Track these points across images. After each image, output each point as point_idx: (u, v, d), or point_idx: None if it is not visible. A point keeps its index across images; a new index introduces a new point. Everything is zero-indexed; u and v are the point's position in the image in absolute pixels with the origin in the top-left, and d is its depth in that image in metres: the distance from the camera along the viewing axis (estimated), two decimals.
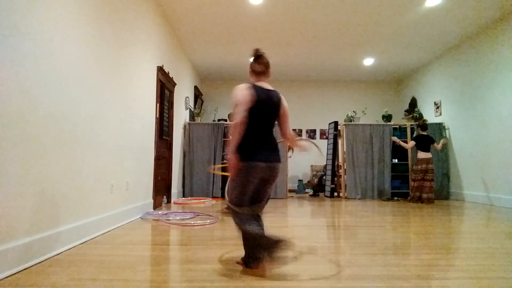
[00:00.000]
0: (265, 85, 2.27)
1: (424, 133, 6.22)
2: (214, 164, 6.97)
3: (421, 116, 7.60)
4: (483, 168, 5.99)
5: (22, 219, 2.07)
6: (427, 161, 6.05)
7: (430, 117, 7.70)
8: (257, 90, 2.19)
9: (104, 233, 3.15)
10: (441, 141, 6.35)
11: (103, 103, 3.20)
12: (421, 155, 6.12)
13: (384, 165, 7.12)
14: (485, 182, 5.93)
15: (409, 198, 6.33)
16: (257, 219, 2.20)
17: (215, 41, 6.64)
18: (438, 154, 6.96)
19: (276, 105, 2.24)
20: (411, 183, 6.29)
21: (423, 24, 5.79)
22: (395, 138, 6.45)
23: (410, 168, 7.11)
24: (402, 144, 6.32)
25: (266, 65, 2.30)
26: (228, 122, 7.56)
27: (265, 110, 2.19)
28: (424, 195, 6.02)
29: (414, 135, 7.30)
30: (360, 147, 7.17)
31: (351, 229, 3.52)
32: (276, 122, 2.31)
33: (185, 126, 7.10)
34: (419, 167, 6.10)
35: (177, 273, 2.03)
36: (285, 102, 2.31)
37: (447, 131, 7.13)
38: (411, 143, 6.25)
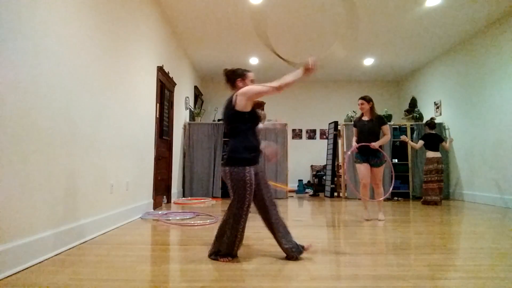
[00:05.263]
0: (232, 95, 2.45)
1: (432, 131, 6.02)
2: (214, 164, 6.96)
3: (421, 116, 7.59)
4: (484, 168, 5.98)
5: (22, 220, 2.07)
6: (437, 160, 5.82)
7: (430, 117, 7.69)
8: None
9: (104, 233, 3.15)
10: (448, 140, 6.17)
11: (103, 103, 3.20)
12: (430, 154, 5.89)
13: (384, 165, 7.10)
14: (486, 182, 5.92)
15: (423, 201, 5.90)
16: None
17: (215, 41, 6.64)
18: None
19: (224, 112, 2.43)
20: (425, 185, 5.91)
21: (423, 24, 5.79)
22: (404, 137, 6.03)
23: (411, 168, 7.11)
24: (412, 144, 6.08)
25: (226, 78, 2.53)
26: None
27: (223, 122, 2.49)
28: (434, 197, 5.79)
29: (418, 134, 7.29)
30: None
31: (351, 229, 3.51)
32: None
33: (185, 126, 7.10)
34: (431, 166, 5.84)
35: (177, 273, 2.03)
36: (239, 96, 2.34)
37: (447, 131, 7.13)
38: (420, 143, 5.98)
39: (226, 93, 2.49)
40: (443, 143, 5.95)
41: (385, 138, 4.11)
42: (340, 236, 3.17)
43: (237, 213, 2.29)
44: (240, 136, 2.35)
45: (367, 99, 4.17)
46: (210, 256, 2.34)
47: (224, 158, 2.40)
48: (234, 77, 2.48)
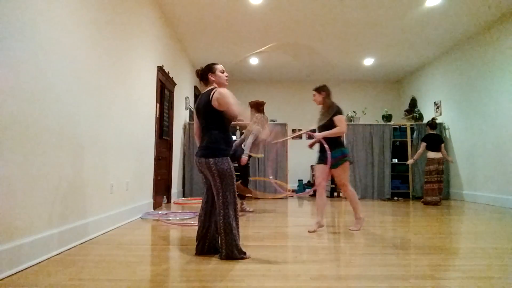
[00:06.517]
0: (205, 90, 2.56)
1: (434, 131, 6.01)
2: None
3: (421, 116, 7.59)
4: (484, 168, 5.98)
5: (22, 220, 2.07)
6: (437, 161, 5.81)
7: (430, 117, 7.69)
8: (197, 101, 2.61)
9: (104, 233, 3.15)
10: (449, 158, 6.09)
11: (103, 103, 3.20)
12: (431, 154, 5.87)
13: (384, 165, 7.11)
14: (486, 182, 5.92)
15: (424, 201, 5.89)
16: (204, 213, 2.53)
17: (215, 41, 6.64)
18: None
19: (201, 105, 2.49)
20: (425, 186, 5.88)
21: (423, 24, 5.79)
22: (410, 162, 6.07)
23: (411, 168, 7.10)
24: (417, 156, 6.02)
25: (199, 78, 2.63)
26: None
27: (197, 115, 2.56)
28: (434, 198, 5.78)
29: (418, 134, 7.29)
30: (360, 147, 7.17)
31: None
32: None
33: (185, 126, 7.10)
34: (431, 167, 5.82)
35: (177, 273, 2.03)
36: (215, 95, 2.42)
37: (447, 131, 7.13)
38: (422, 146, 5.94)
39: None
40: (442, 146, 5.93)
41: (333, 130, 3.33)
42: (340, 236, 3.17)
43: (232, 202, 2.38)
44: (218, 129, 2.44)
45: (318, 89, 3.57)
46: (232, 257, 2.30)
47: (203, 149, 2.42)
48: (205, 73, 2.59)
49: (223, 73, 2.60)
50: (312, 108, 9.59)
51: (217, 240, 2.49)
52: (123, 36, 3.68)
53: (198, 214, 4.32)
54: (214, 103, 2.41)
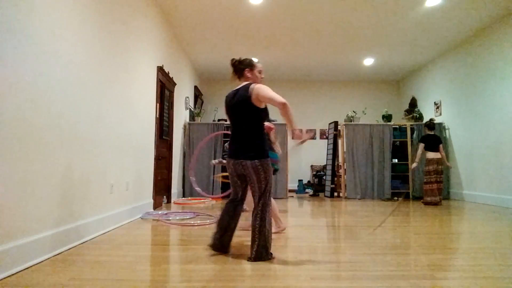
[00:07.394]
0: (239, 86, 2.47)
1: (431, 132, 6.02)
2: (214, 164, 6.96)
3: (421, 116, 7.60)
4: (484, 168, 5.98)
5: (21, 220, 2.07)
6: (437, 161, 5.82)
7: (430, 117, 7.69)
8: (227, 96, 2.50)
9: (104, 233, 3.15)
10: (449, 164, 6.10)
11: (103, 103, 3.20)
12: (430, 155, 5.88)
13: (384, 165, 7.11)
14: (486, 181, 5.92)
15: (423, 202, 5.88)
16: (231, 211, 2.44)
17: (215, 41, 6.64)
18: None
19: (237, 103, 2.38)
20: (424, 186, 5.89)
21: (423, 24, 5.79)
22: (414, 165, 6.00)
23: (411, 168, 7.11)
24: (418, 158, 5.96)
25: (234, 68, 2.54)
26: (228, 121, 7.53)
27: (229, 113, 2.47)
28: (433, 198, 5.78)
29: (418, 134, 7.29)
30: (360, 147, 7.17)
31: (351, 229, 3.51)
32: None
33: (185, 126, 7.10)
34: (430, 167, 5.83)
35: (177, 273, 2.03)
36: (254, 93, 2.33)
37: (447, 131, 7.13)
38: (420, 147, 5.94)
39: (225, 93, 2.49)
40: (441, 146, 5.92)
41: None
42: (340, 236, 3.17)
43: (269, 204, 2.38)
44: (258, 130, 2.40)
45: None
46: (260, 258, 2.27)
47: (247, 151, 2.33)
48: (242, 67, 2.51)
49: (260, 73, 2.54)
50: (312, 108, 9.60)
51: (231, 239, 2.46)
52: (123, 36, 3.68)
53: (198, 214, 4.35)
54: (254, 101, 2.33)
